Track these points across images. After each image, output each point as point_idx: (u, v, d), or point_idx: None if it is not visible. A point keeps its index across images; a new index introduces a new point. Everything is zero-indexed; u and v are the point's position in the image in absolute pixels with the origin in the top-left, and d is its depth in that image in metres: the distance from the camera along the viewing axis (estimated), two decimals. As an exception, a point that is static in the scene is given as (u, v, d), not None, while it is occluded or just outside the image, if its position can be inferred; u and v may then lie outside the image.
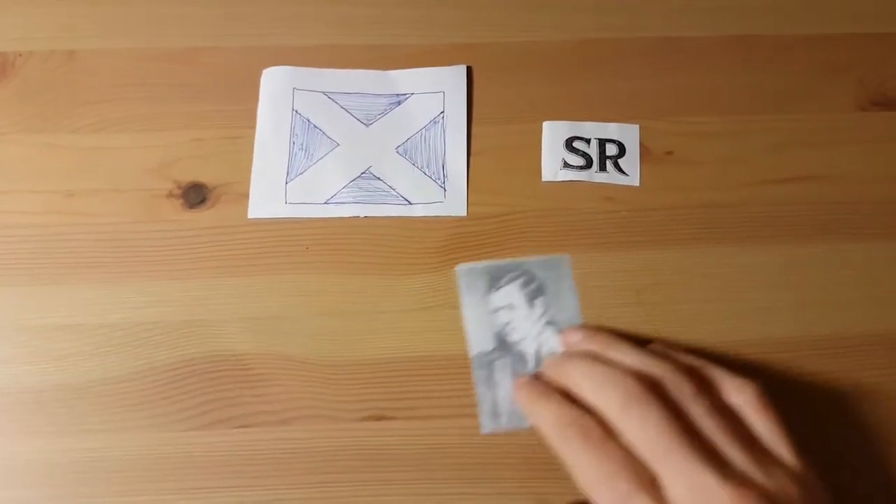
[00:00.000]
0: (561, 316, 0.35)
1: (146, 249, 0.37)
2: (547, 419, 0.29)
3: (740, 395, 0.28)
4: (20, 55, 0.41)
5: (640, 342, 0.32)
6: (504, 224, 0.38)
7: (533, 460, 0.33)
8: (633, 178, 0.39)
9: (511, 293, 0.36)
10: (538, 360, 0.34)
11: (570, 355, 0.31)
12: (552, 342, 0.35)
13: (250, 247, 0.37)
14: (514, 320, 0.35)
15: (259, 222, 0.37)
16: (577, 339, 0.33)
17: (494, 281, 0.36)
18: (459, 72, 0.41)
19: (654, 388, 0.27)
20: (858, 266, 0.37)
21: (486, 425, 0.33)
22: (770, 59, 0.42)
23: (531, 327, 0.35)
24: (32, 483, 0.32)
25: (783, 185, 0.39)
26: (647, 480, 0.25)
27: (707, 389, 0.28)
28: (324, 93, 0.40)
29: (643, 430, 0.26)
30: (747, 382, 0.29)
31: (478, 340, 0.35)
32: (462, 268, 0.36)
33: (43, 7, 0.42)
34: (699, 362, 0.30)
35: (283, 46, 0.42)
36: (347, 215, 0.37)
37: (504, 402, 0.34)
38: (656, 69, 0.41)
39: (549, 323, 0.35)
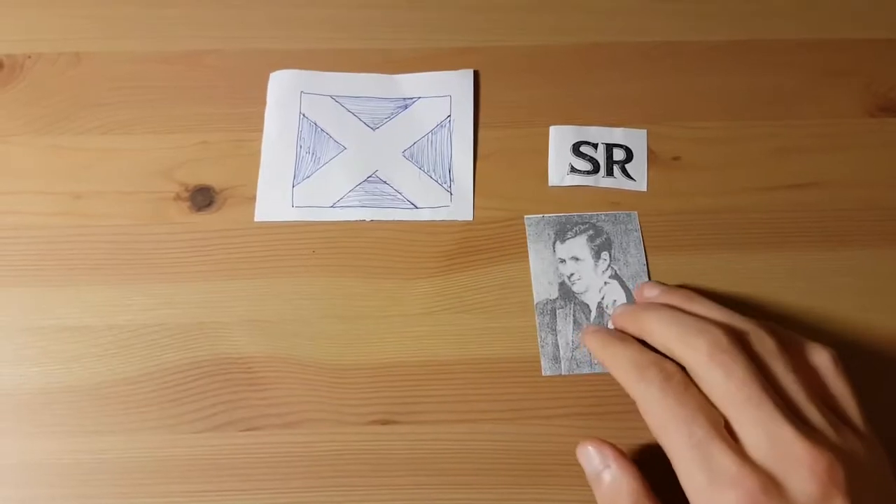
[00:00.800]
0: (626, 271, 0.36)
1: (153, 252, 0.37)
2: (624, 361, 0.29)
3: (819, 357, 0.29)
4: (29, 57, 0.41)
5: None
6: (511, 229, 0.38)
7: (539, 466, 0.33)
8: (640, 183, 0.39)
9: (578, 245, 0.36)
10: (600, 311, 0.35)
11: (650, 306, 0.31)
12: (616, 295, 0.35)
13: (257, 250, 0.37)
14: (579, 271, 0.36)
15: (266, 225, 0.37)
16: (656, 294, 0.33)
17: (562, 232, 0.37)
18: (466, 76, 0.41)
19: (740, 341, 0.28)
20: (865, 273, 0.37)
21: (547, 368, 0.34)
22: (778, 63, 0.42)
23: (596, 280, 0.36)
24: (39, 483, 0.32)
25: (791, 191, 0.39)
26: (723, 430, 0.26)
27: (788, 349, 0.29)
28: (331, 96, 0.41)
29: (727, 379, 0.26)
30: (825, 347, 0.29)
31: (543, 288, 0.36)
32: (531, 217, 0.37)
33: (51, 9, 0.42)
34: (776, 326, 0.30)
35: (289, 50, 0.42)
36: (354, 219, 0.38)
37: (565, 348, 0.35)
38: (664, 73, 0.41)
39: (613, 277, 0.36)
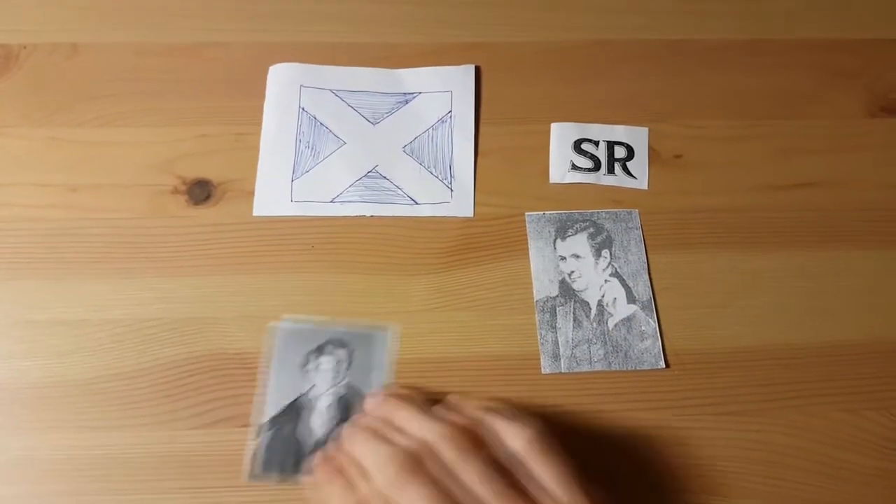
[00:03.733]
0: (627, 268, 0.36)
1: (150, 245, 0.36)
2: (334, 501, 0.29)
3: (517, 441, 0.28)
4: (24, 47, 0.41)
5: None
6: (511, 226, 0.37)
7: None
8: (641, 181, 0.39)
9: (579, 242, 0.36)
10: (600, 309, 0.35)
11: (358, 429, 0.31)
12: (616, 293, 0.35)
13: (255, 244, 0.36)
14: (580, 269, 0.36)
15: (264, 220, 0.37)
16: (374, 405, 0.32)
17: (563, 229, 0.36)
18: (468, 71, 0.41)
19: (423, 463, 0.27)
20: (866, 273, 0.37)
21: (547, 366, 0.34)
22: (780, 63, 0.42)
23: (596, 277, 0.36)
24: (32, 479, 0.32)
25: (791, 191, 0.39)
26: None
27: (484, 444, 0.28)
28: (331, 90, 0.40)
29: None
30: (524, 427, 0.28)
31: (543, 285, 0.36)
32: (531, 214, 0.37)
33: (48, -1, 0.42)
34: (480, 414, 0.30)
35: (289, 43, 0.41)
36: (353, 214, 0.37)
37: (565, 346, 0.34)
38: (666, 72, 0.41)
39: (613, 275, 0.36)
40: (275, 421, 0.32)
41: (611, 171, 0.39)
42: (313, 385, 0.33)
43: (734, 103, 0.41)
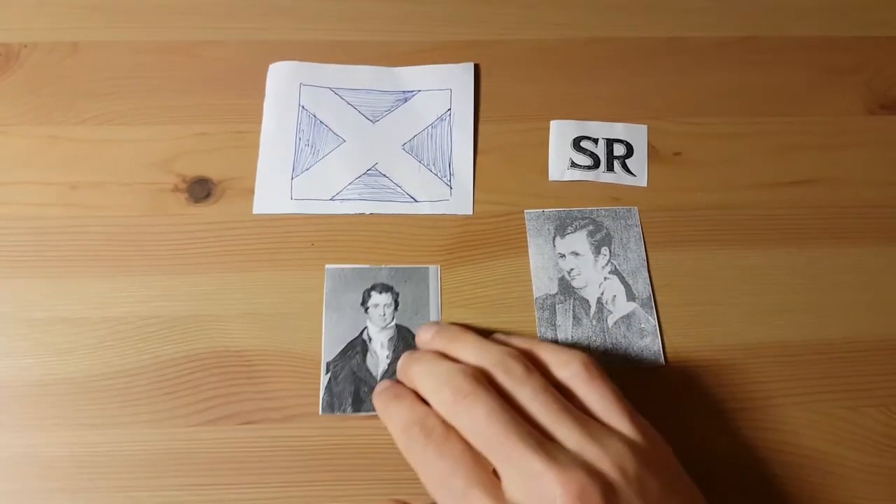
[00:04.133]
0: (626, 266, 0.36)
1: (150, 243, 0.36)
2: (394, 422, 0.29)
3: (567, 369, 0.29)
4: (25, 46, 0.41)
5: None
6: (510, 223, 0.37)
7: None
8: (640, 178, 0.39)
9: (578, 240, 0.36)
10: (600, 307, 0.35)
11: (415, 357, 0.31)
12: (615, 290, 0.35)
13: (255, 242, 0.37)
14: (579, 267, 0.36)
15: (264, 218, 0.37)
16: (428, 337, 0.33)
17: (562, 227, 0.36)
18: (467, 69, 0.41)
19: (483, 379, 0.28)
20: (865, 270, 0.37)
21: None
22: (779, 60, 0.42)
23: (596, 275, 0.36)
24: (32, 476, 0.32)
25: (790, 188, 0.39)
26: (485, 475, 0.26)
27: (538, 369, 0.29)
28: (330, 88, 0.40)
29: (472, 422, 0.26)
30: (574, 356, 0.29)
31: (542, 283, 0.36)
32: (531, 212, 0.37)
33: (48, -2, 0.42)
34: (532, 343, 0.30)
35: (289, 41, 0.41)
36: (353, 212, 0.37)
37: (564, 343, 0.34)
38: (665, 69, 0.41)
39: (613, 272, 0.36)
40: (333, 362, 0.34)
41: (610, 168, 0.39)
42: (365, 327, 0.34)
43: (733, 100, 0.41)
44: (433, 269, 0.36)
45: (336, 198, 0.38)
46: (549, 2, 0.43)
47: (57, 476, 0.32)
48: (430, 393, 0.28)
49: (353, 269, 0.35)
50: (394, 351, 0.34)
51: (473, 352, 0.30)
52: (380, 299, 0.35)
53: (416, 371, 0.30)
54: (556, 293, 0.36)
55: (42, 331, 0.34)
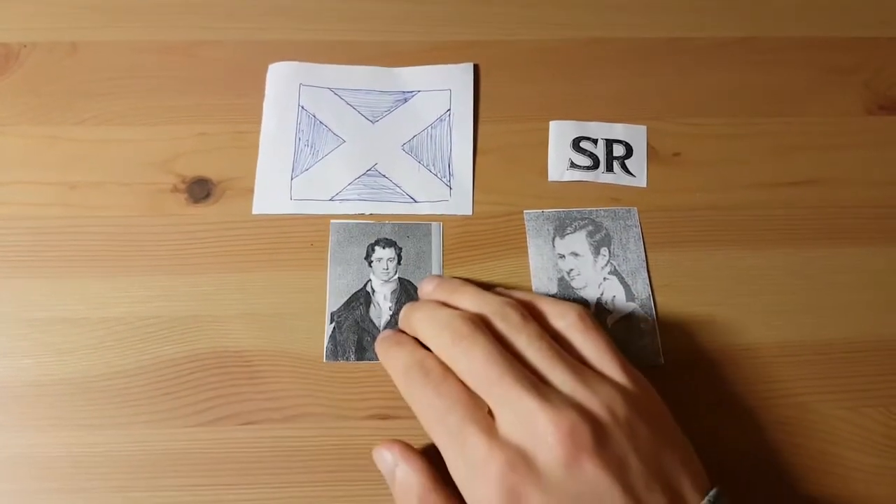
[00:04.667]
0: (626, 267, 0.36)
1: (149, 243, 0.36)
2: (395, 365, 0.30)
3: (563, 319, 0.30)
4: (24, 46, 0.41)
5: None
6: (510, 224, 0.37)
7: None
8: (640, 179, 0.39)
9: (577, 241, 0.36)
10: (599, 307, 0.35)
11: (417, 305, 0.32)
12: (615, 291, 0.36)
13: (255, 242, 0.36)
14: (579, 267, 0.36)
15: (264, 218, 0.37)
16: (430, 289, 0.33)
17: (561, 227, 0.37)
18: (466, 69, 0.41)
19: (482, 324, 0.28)
20: (864, 270, 0.37)
21: None
22: (778, 60, 0.42)
23: (595, 275, 0.36)
24: (31, 477, 0.32)
25: (790, 189, 0.39)
26: (480, 413, 0.26)
27: (536, 319, 0.30)
28: (330, 89, 0.40)
29: (470, 364, 0.27)
30: (570, 307, 0.30)
31: (542, 283, 0.36)
32: (530, 212, 0.37)
33: (47, -2, 0.42)
34: (531, 296, 0.31)
35: (289, 41, 0.41)
36: (353, 212, 0.37)
37: None
38: (664, 70, 0.41)
39: (612, 273, 0.36)
40: (338, 313, 0.35)
41: (609, 169, 0.39)
42: (368, 280, 0.35)
43: (733, 101, 0.41)
44: (435, 226, 0.37)
45: (336, 198, 0.38)
46: (548, 2, 0.43)
47: (55, 476, 0.32)
48: (430, 338, 0.29)
49: (357, 224, 0.36)
50: (396, 303, 0.35)
51: (473, 301, 0.31)
52: (383, 253, 0.36)
53: (417, 318, 0.31)
54: (556, 293, 0.36)
55: (41, 331, 0.34)
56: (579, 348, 0.29)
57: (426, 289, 0.34)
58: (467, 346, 0.27)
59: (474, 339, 0.28)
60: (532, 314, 0.30)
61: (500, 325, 0.29)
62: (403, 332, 0.32)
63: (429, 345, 0.29)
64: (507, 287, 0.35)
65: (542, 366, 0.27)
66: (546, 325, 0.30)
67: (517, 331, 0.29)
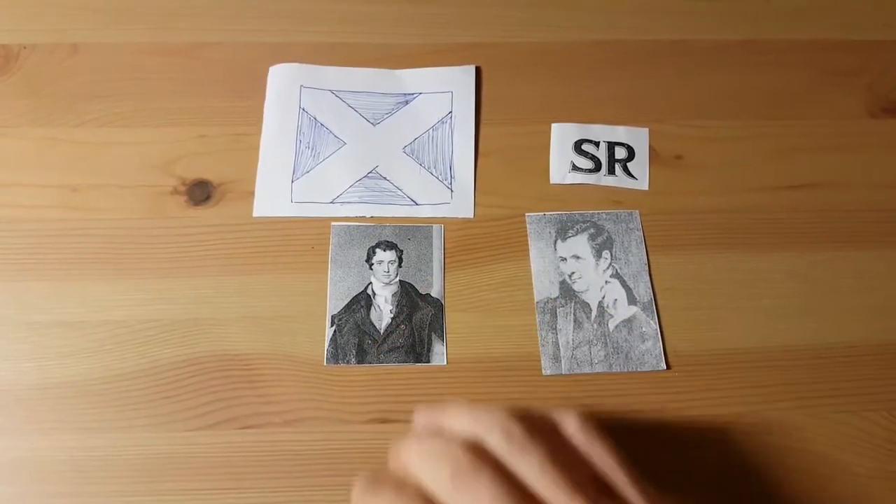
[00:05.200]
0: (627, 269, 0.36)
1: (150, 246, 0.36)
2: None
3: (567, 429, 0.27)
4: (24, 47, 0.40)
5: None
6: (512, 226, 0.37)
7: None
8: (642, 181, 0.39)
9: (579, 243, 0.36)
10: (601, 310, 0.35)
11: (407, 436, 0.28)
12: (616, 294, 0.35)
13: (255, 245, 0.36)
14: (580, 270, 0.36)
15: (264, 220, 0.37)
16: (419, 419, 0.29)
17: (563, 230, 0.37)
18: (468, 72, 0.41)
19: (483, 454, 0.25)
20: (865, 274, 0.37)
21: (548, 367, 0.34)
22: (781, 63, 0.42)
23: (597, 278, 0.36)
24: (31, 480, 0.32)
25: (792, 192, 0.38)
26: None
27: (539, 429, 0.26)
28: (331, 91, 0.40)
29: None
30: (570, 413, 0.27)
31: (544, 286, 0.36)
32: (532, 215, 0.37)
33: (48, -1, 0.42)
34: (518, 412, 0.28)
35: (289, 43, 0.41)
36: (353, 215, 0.37)
37: (565, 347, 0.34)
38: (666, 72, 0.41)
39: (614, 276, 0.36)
40: (338, 316, 0.35)
41: (611, 171, 0.39)
42: (369, 283, 0.35)
43: (735, 103, 0.40)
44: (436, 228, 0.36)
45: (336, 201, 0.37)
46: (550, 4, 0.43)
47: (55, 480, 0.32)
48: (425, 474, 0.26)
49: (358, 226, 0.36)
50: (397, 306, 0.35)
51: (468, 419, 0.27)
52: (384, 256, 0.36)
53: (406, 451, 0.27)
54: (558, 297, 0.36)
55: (41, 334, 0.34)
56: (590, 457, 0.26)
57: (416, 420, 0.29)
58: (470, 482, 0.24)
59: (478, 476, 0.24)
60: (533, 422, 0.27)
61: (503, 447, 0.26)
62: (386, 472, 0.28)
63: (422, 481, 0.26)
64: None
65: (556, 495, 0.24)
66: (553, 438, 0.27)
67: (523, 454, 0.25)
